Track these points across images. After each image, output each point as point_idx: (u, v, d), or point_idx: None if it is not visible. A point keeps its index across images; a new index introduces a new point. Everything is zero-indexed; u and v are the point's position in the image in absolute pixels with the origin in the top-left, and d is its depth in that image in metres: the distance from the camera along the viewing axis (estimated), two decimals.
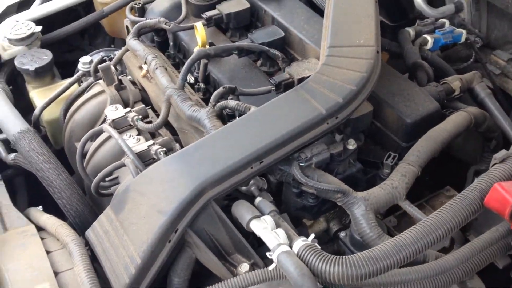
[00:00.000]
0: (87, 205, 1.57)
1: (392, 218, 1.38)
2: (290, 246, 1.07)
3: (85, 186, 1.66)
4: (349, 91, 1.28)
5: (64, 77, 2.04)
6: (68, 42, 2.48)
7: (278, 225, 1.14)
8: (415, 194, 1.38)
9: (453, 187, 1.50)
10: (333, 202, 1.30)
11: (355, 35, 1.42)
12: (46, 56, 1.88)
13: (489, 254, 1.11)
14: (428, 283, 1.07)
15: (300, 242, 1.06)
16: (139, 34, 1.78)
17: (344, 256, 1.01)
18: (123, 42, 2.58)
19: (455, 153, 1.59)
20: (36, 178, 1.67)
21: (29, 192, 1.98)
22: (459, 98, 1.50)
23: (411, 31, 1.73)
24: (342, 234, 1.33)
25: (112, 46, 2.64)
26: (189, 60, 1.52)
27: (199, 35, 1.62)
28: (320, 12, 1.80)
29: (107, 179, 1.48)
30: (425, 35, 1.70)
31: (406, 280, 1.05)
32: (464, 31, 1.75)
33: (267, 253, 1.07)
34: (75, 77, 1.86)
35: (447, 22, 1.78)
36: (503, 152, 1.10)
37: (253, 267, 1.21)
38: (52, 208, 1.60)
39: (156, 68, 1.60)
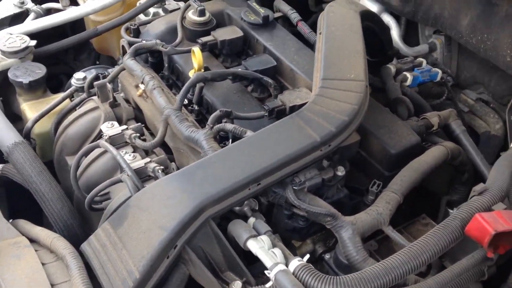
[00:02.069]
0: (76, 219, 1.59)
1: (373, 242, 1.47)
2: (286, 265, 1.14)
3: (74, 200, 1.69)
4: (342, 121, 1.37)
5: (50, 90, 2.06)
6: (54, 56, 2.50)
7: (274, 245, 1.20)
8: (391, 221, 1.47)
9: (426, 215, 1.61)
10: (320, 225, 1.38)
11: (346, 69, 1.52)
12: (40, 70, 1.91)
13: (465, 280, 1.20)
14: None
15: (296, 262, 1.13)
16: (135, 55, 1.84)
17: (337, 277, 1.09)
18: (108, 60, 2.63)
19: (427, 184, 1.71)
20: (18, 191, 1.68)
21: (9, 204, 1.98)
22: (436, 133, 1.62)
23: (392, 68, 1.85)
24: (327, 256, 1.41)
25: (97, 62, 2.68)
26: (188, 82, 1.59)
27: (196, 60, 1.70)
28: (307, 44, 1.92)
29: (99, 193, 1.52)
30: (405, 73, 1.83)
31: None
32: (440, 71, 1.89)
33: (266, 272, 1.13)
34: (68, 92, 1.89)
35: (424, 61, 1.92)
36: (481, 185, 1.20)
37: (245, 285, 1.26)
38: (34, 221, 1.61)
39: (154, 89, 1.65)
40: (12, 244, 1.40)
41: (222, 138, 1.56)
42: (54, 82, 2.47)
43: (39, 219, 1.70)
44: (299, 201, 1.33)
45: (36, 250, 1.38)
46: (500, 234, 1.09)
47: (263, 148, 1.34)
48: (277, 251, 1.16)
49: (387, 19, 2.25)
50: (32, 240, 1.45)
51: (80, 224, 1.60)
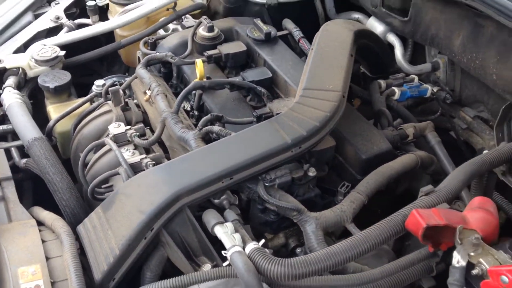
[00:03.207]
0: (83, 208, 1.78)
1: (334, 239, 1.57)
2: (244, 248, 1.27)
3: (83, 192, 1.89)
4: (313, 126, 1.50)
5: (80, 96, 2.29)
6: (89, 66, 2.76)
7: (236, 231, 1.34)
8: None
9: None
10: (291, 220, 1.50)
11: (326, 81, 1.65)
12: (65, 77, 2.14)
13: (413, 273, 1.29)
14: None
15: (251, 245, 1.26)
16: (148, 65, 2.04)
17: (284, 259, 1.21)
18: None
19: (413, 191, 1.79)
20: (41, 184, 1.89)
21: (34, 195, 2.21)
22: (414, 143, 1.71)
23: (382, 83, 1.96)
24: (298, 250, 1.53)
25: (127, 74, 2.92)
26: (185, 89, 1.77)
27: (198, 70, 1.88)
28: None
29: (103, 186, 1.71)
30: (393, 87, 1.94)
31: (337, 285, 1.23)
32: (429, 87, 1.98)
33: (223, 252, 1.27)
34: (88, 96, 2.11)
35: (416, 78, 2.01)
36: (429, 187, 1.30)
37: (214, 267, 1.40)
38: (51, 210, 1.81)
39: (157, 94, 1.84)
40: (21, 224, 1.60)
41: (214, 140, 1.72)
42: (87, 90, 2.73)
43: (57, 208, 1.91)
44: (268, 196, 1.46)
45: (40, 230, 1.58)
46: (440, 231, 1.18)
47: (239, 147, 1.49)
48: (237, 235, 1.30)
49: (392, 38, 2.35)
50: (40, 223, 1.65)
51: (86, 212, 1.77)
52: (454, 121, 2.23)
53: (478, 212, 1.20)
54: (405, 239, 1.43)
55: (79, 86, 2.44)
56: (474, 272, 1.07)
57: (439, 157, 1.68)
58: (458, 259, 1.08)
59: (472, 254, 1.09)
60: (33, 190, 2.19)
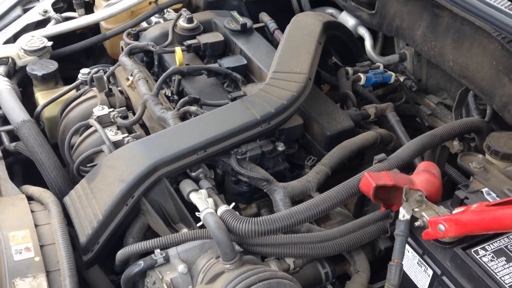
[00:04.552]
0: (69, 185, 1.89)
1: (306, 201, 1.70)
2: (216, 211, 1.41)
3: (69, 171, 2.01)
4: (280, 104, 1.64)
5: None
6: (77, 60, 2.89)
7: (210, 197, 1.47)
8: None
9: None
10: (263, 192, 1.63)
11: (294, 65, 1.79)
12: (52, 66, 2.26)
13: (369, 232, 1.43)
14: (317, 248, 1.39)
15: (223, 208, 1.40)
16: (130, 53, 2.17)
17: (252, 217, 1.34)
18: None
19: None
20: (31, 166, 2.00)
21: (23, 178, 2.32)
22: (376, 122, 1.86)
23: (349, 69, 2.11)
24: None
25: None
26: (164, 74, 1.90)
27: (177, 57, 2.01)
28: None
29: (88, 165, 1.83)
30: (359, 73, 2.09)
31: (299, 242, 1.37)
32: (393, 74, 2.14)
33: (196, 213, 1.40)
34: (74, 84, 2.23)
35: (381, 66, 2.16)
36: (382, 155, 1.44)
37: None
38: None
39: (139, 79, 1.97)
40: (12, 197, 1.72)
41: None
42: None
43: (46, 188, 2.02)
44: (240, 168, 1.59)
45: (29, 203, 1.70)
46: (391, 192, 1.32)
47: (212, 123, 1.62)
48: (210, 200, 1.43)
49: (362, 31, 2.51)
50: (30, 198, 1.77)
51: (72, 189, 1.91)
52: (420, 107, 2.39)
53: (423, 175, 1.35)
54: (364, 205, 1.57)
55: (67, 79, 2.56)
56: (417, 224, 1.20)
57: (398, 135, 1.83)
58: (403, 214, 1.22)
59: (416, 209, 1.23)
60: (22, 174, 2.30)
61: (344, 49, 2.34)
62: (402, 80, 2.36)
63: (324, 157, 1.66)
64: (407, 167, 1.47)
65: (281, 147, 1.68)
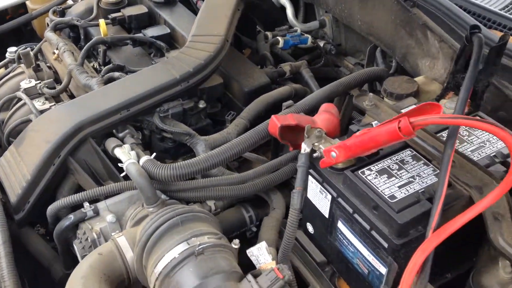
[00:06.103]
0: None
1: (235, 163, 1.83)
2: (138, 162, 1.50)
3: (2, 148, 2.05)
4: (198, 64, 1.75)
5: None
6: (7, 45, 2.89)
7: (133, 150, 1.57)
8: None
9: None
10: (188, 148, 1.74)
11: (211, 28, 1.90)
12: None
13: (283, 172, 1.56)
14: (235, 189, 1.51)
15: (144, 158, 1.49)
16: (55, 29, 2.22)
17: (171, 164, 1.45)
18: None
19: None
20: None
21: None
22: (291, 79, 2.00)
23: (269, 34, 2.24)
24: None
25: None
26: (88, 43, 1.97)
27: (101, 29, 2.08)
28: None
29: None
30: (278, 37, 2.22)
31: (217, 185, 1.48)
32: (309, 36, 2.28)
33: (119, 164, 1.49)
34: (1, 62, 2.27)
35: (298, 29, 2.30)
36: (289, 102, 1.57)
37: None
38: None
39: (64, 52, 2.03)
40: None
41: None
42: None
43: None
44: (163, 124, 1.69)
45: None
46: (296, 133, 1.45)
47: (134, 83, 1.71)
48: (132, 153, 1.53)
49: (284, 1, 2.64)
50: None
51: None
52: (340, 69, 2.55)
53: (323, 114, 1.49)
54: (278, 151, 1.70)
55: None
56: (315, 155, 1.34)
57: (311, 88, 1.98)
58: (304, 148, 1.35)
59: (316, 144, 1.36)
60: None
61: (267, 18, 2.47)
62: (322, 45, 2.51)
63: (243, 111, 1.78)
64: (314, 112, 1.61)
65: (202, 104, 1.79)
